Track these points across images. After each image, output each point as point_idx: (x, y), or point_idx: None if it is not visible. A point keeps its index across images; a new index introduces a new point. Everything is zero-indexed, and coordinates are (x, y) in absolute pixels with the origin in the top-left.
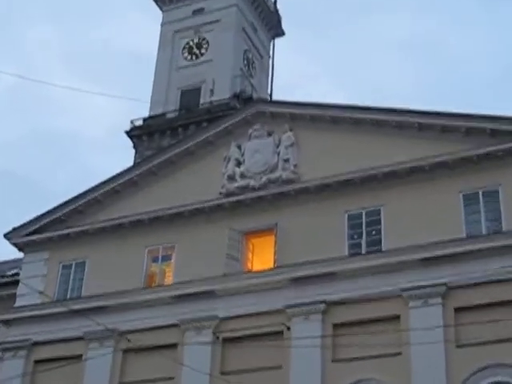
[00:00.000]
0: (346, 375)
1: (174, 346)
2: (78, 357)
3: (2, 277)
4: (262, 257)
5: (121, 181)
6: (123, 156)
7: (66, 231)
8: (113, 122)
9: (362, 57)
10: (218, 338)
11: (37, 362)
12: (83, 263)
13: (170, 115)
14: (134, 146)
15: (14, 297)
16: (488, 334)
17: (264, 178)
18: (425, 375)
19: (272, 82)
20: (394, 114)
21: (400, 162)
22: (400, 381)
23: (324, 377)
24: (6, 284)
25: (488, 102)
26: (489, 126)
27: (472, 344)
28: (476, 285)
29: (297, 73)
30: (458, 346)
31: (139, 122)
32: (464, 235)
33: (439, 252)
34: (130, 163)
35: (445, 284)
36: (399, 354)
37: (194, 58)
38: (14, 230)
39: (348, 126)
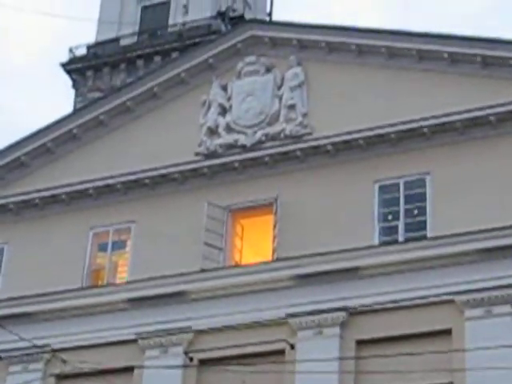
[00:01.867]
0: None
1: (128, 370)
2: None
3: None
4: (255, 245)
5: (55, 134)
6: (58, 99)
7: None
8: (45, 50)
9: None
10: (191, 359)
11: None
12: (0, 251)
13: (125, 41)
14: (74, 85)
15: None
16: None
17: (259, 133)
18: None
19: None
20: (448, 42)
21: (455, 112)
22: None
23: None
24: None
25: None
26: None
27: None
28: None
29: None
30: None
31: (81, 51)
32: None
33: (508, 241)
34: (69, 109)
35: None
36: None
37: None
38: None
39: (382, 59)
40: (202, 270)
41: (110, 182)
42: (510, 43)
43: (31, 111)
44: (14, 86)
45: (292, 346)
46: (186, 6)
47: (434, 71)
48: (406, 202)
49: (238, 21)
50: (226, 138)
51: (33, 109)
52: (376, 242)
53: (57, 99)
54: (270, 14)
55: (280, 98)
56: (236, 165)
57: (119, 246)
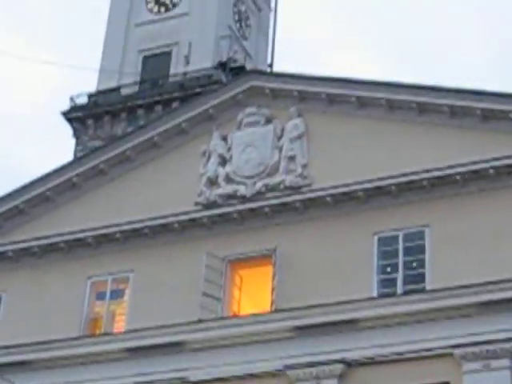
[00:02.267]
0: None
1: None
2: None
3: None
4: (253, 296)
5: (54, 183)
6: (59, 147)
7: None
8: (47, 99)
9: (406, 12)
10: None
11: None
12: None
13: (126, 90)
14: (75, 134)
15: None
16: None
17: (259, 184)
18: None
19: (274, 47)
20: (448, 95)
21: (454, 164)
22: None
23: None
24: None
25: None
26: None
27: None
28: None
29: (310, 34)
30: None
31: (82, 100)
32: None
33: (507, 294)
34: (69, 158)
35: None
36: None
37: (162, 10)
38: None
39: (382, 111)
40: (200, 321)
41: (109, 231)
42: (509, 97)
43: (32, 159)
44: (15, 134)
45: None
46: (187, 56)
47: (433, 124)
48: (405, 254)
49: (238, 71)
50: (226, 189)
51: (34, 156)
52: (375, 294)
53: (58, 147)
54: (270, 65)
55: (280, 149)
56: (235, 215)
57: (117, 295)
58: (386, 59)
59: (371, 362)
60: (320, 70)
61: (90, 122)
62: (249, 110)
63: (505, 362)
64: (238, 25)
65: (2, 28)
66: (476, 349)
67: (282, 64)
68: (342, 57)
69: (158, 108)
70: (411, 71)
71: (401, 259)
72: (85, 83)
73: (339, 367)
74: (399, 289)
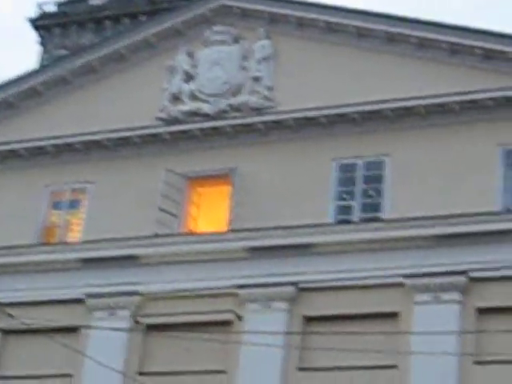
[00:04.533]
0: None
1: (74, 329)
2: None
3: None
4: (210, 214)
5: (18, 89)
6: (24, 54)
7: None
8: (13, 4)
9: None
10: (138, 323)
11: None
12: None
13: (95, 1)
14: (42, 42)
15: None
16: None
17: (223, 103)
18: None
19: None
20: (416, 26)
21: (419, 96)
22: None
23: None
24: None
25: None
26: None
27: (501, 362)
28: (507, 279)
29: None
30: (478, 363)
31: (51, 8)
32: (500, 207)
33: (462, 228)
34: (34, 65)
35: (466, 273)
36: (394, 366)
37: None
38: None
39: (351, 39)
40: (156, 235)
41: (70, 140)
42: (477, 32)
43: None
44: None
45: (239, 318)
46: None
47: (402, 54)
48: (363, 183)
49: None
50: (189, 106)
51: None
52: (331, 220)
53: (24, 55)
54: None
55: (246, 70)
56: (197, 133)
57: (75, 205)
58: None
59: (323, 287)
60: None
61: (57, 30)
62: (217, 28)
63: (455, 295)
64: None
65: None
66: (427, 280)
67: None
68: None
69: (126, 21)
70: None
71: (359, 187)
72: None
73: (291, 290)
74: (355, 216)
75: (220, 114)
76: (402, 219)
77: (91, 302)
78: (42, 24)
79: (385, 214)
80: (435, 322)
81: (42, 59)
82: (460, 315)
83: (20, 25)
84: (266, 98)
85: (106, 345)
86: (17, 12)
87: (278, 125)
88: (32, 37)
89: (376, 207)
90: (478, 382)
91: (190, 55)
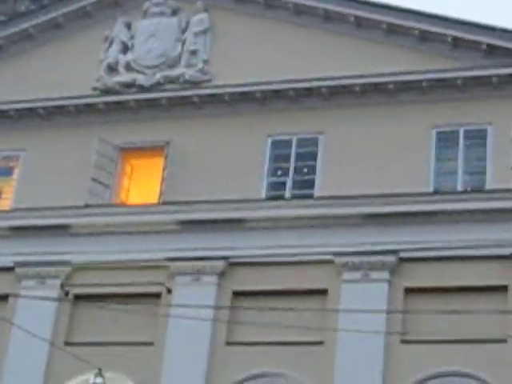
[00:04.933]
0: (243, 365)
1: (3, 298)
2: None
3: None
4: (142, 186)
5: None
6: None
7: None
8: None
9: None
10: (67, 293)
11: None
12: None
13: None
14: None
15: None
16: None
17: (158, 75)
18: (349, 373)
19: None
20: (354, 5)
21: (355, 75)
22: (320, 379)
23: (212, 365)
24: None
25: None
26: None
27: (427, 341)
28: (435, 260)
29: None
30: (404, 342)
31: None
32: (431, 189)
33: (393, 208)
34: None
35: (396, 253)
36: (321, 343)
37: None
38: None
39: (289, 15)
40: (87, 206)
41: (3, 107)
42: (414, 13)
43: None
44: None
45: (169, 290)
46: None
47: (339, 33)
48: (296, 159)
49: None
50: (125, 76)
51: None
52: (263, 195)
53: None
54: None
55: (183, 43)
56: (132, 104)
57: (6, 172)
58: None
59: (253, 263)
60: None
61: None
62: None
63: (384, 274)
64: None
65: None
66: (357, 259)
67: None
68: None
69: None
70: None
71: (292, 164)
72: None
73: (220, 264)
74: (288, 193)
75: (155, 86)
76: (334, 197)
77: (20, 270)
78: None
79: (317, 191)
80: (363, 301)
81: None
82: (388, 294)
83: None
84: (202, 72)
85: (34, 314)
86: None
87: (213, 98)
88: None
89: (309, 184)
90: (405, 361)
91: (128, 26)
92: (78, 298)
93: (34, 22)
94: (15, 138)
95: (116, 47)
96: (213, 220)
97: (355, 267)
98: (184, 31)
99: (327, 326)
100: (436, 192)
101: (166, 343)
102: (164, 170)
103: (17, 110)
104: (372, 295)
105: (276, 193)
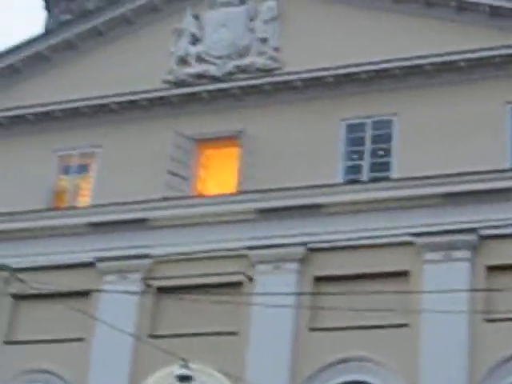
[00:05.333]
0: (328, 350)
1: (85, 294)
2: None
3: None
4: (219, 176)
5: (24, 54)
6: (29, 19)
7: None
8: None
9: None
10: (149, 286)
11: None
12: None
13: None
14: (47, 6)
15: None
16: None
17: (230, 65)
18: (435, 354)
19: None
20: None
21: (426, 55)
22: (405, 361)
23: (296, 351)
24: None
25: None
26: None
27: (507, 319)
28: None
29: None
30: (488, 320)
31: None
32: (508, 165)
33: (471, 186)
34: (39, 30)
35: (476, 231)
36: (405, 325)
37: None
38: None
39: None
40: (165, 198)
41: (77, 104)
42: None
43: (1, 30)
44: None
45: (250, 279)
46: None
47: (409, 13)
48: (372, 142)
49: None
50: (196, 68)
51: (3, 28)
52: (340, 180)
53: (29, 19)
54: None
55: (252, 31)
56: (204, 95)
57: (83, 169)
58: None
59: (333, 248)
60: None
61: None
62: None
63: (465, 253)
64: None
65: None
66: (437, 239)
67: None
68: None
69: None
70: None
71: (368, 147)
72: None
73: (300, 251)
74: (364, 176)
75: (227, 76)
76: (411, 178)
77: (101, 265)
78: None
79: (393, 173)
80: (445, 281)
81: (47, 24)
82: (470, 273)
83: None
84: (273, 59)
85: (118, 308)
86: None
87: (285, 85)
88: (37, 1)
89: (385, 167)
90: (489, 340)
91: (197, 17)
92: (160, 290)
93: (104, 18)
94: (90, 135)
95: (186, 39)
96: (290, 207)
97: (436, 247)
98: (253, 19)
99: (410, 308)
100: None
101: (249, 332)
102: (239, 158)
103: (90, 107)
104: (454, 275)
105: (352, 176)
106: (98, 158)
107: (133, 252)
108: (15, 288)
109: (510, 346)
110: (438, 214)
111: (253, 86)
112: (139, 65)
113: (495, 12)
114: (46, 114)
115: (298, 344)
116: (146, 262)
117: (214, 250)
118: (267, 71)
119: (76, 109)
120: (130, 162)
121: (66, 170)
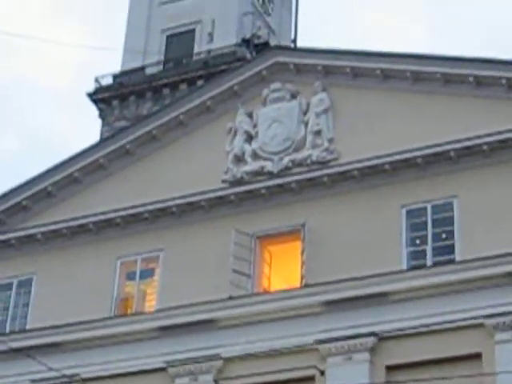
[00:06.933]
0: None
1: None
2: None
3: None
4: (283, 271)
5: (81, 164)
6: (85, 128)
7: (2, 236)
8: (71, 81)
9: None
10: None
11: None
12: (28, 281)
13: (150, 70)
14: (101, 115)
15: None
16: None
17: (286, 159)
18: None
19: (297, 22)
20: (473, 65)
21: (481, 135)
22: None
23: None
24: None
25: None
26: None
27: None
28: None
29: (335, 6)
30: None
31: (107, 80)
32: None
33: None
34: (95, 139)
35: None
36: None
37: None
38: None
39: (407, 83)
40: (231, 298)
41: (137, 210)
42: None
43: (59, 140)
44: (44, 113)
45: (322, 373)
46: (211, 34)
47: (459, 95)
48: (433, 226)
49: (262, 47)
50: (253, 165)
51: (60, 138)
52: (404, 266)
53: (84, 129)
54: (294, 41)
55: (306, 124)
56: (263, 191)
57: (147, 274)
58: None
59: (402, 335)
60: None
61: (115, 102)
62: (273, 85)
63: None
64: (260, 0)
65: (25, 11)
66: (507, 318)
67: (307, 38)
68: (368, 19)
69: (183, 87)
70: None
71: (430, 231)
72: (109, 64)
73: (370, 340)
74: (429, 261)
75: (284, 171)
76: (475, 259)
77: (172, 369)
78: (100, 97)
79: (458, 255)
80: None
81: (102, 132)
82: None
83: (81, 100)
84: (328, 151)
85: None
86: (75, 87)
87: (342, 176)
88: (92, 111)
89: (448, 250)
90: None
91: (249, 115)
92: None
93: (157, 123)
94: (152, 239)
95: (240, 137)
96: (357, 297)
97: (507, 327)
98: (305, 113)
99: None
100: None
101: None
102: (302, 252)
103: (151, 212)
104: None
105: (417, 262)
106: (162, 262)
107: (203, 353)
108: None
109: None
110: (506, 294)
111: (310, 179)
112: (196, 166)
113: None
114: (107, 221)
115: None
116: (217, 362)
117: (283, 346)
118: (323, 163)
119: (136, 214)
120: (194, 263)
121: (130, 276)
